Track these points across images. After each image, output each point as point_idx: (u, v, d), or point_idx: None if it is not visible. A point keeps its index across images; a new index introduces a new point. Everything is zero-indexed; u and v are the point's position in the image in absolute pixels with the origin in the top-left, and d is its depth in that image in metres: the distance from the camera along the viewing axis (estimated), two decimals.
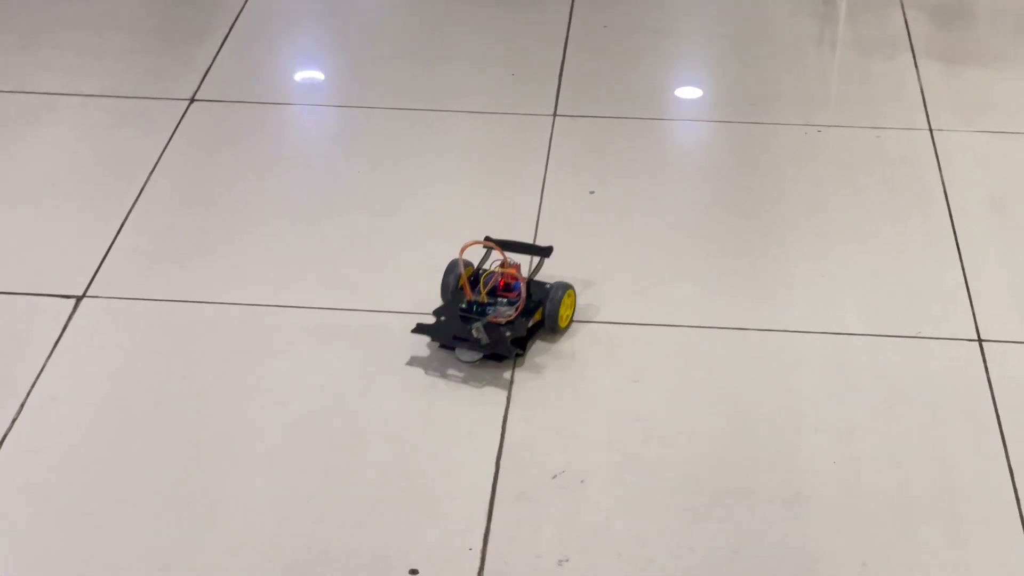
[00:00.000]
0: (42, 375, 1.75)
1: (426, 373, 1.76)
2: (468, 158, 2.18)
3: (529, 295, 1.81)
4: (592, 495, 1.60)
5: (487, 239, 1.85)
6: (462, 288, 1.81)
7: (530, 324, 1.79)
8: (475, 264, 1.85)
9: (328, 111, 2.33)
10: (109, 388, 1.74)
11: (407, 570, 1.51)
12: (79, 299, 1.87)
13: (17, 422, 1.68)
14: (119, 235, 1.99)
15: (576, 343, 1.82)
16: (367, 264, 1.95)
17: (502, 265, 1.82)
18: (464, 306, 1.80)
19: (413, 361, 1.78)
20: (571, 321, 1.83)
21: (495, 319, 1.78)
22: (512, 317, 1.77)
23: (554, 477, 1.62)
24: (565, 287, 1.81)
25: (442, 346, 1.79)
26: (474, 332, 1.75)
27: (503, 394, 1.73)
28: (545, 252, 1.86)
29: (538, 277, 1.85)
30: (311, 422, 1.69)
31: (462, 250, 1.81)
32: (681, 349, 1.81)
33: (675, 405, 1.72)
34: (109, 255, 1.95)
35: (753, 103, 2.32)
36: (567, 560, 1.52)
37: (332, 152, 2.22)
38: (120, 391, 1.74)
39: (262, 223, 2.03)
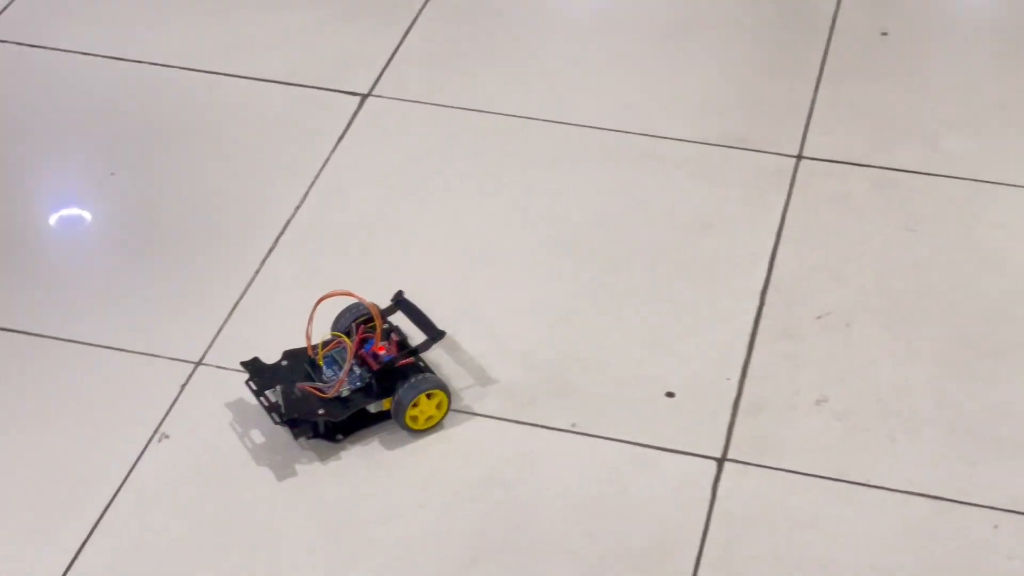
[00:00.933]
0: (326, 167, 1.81)
1: (697, 205, 1.75)
2: None
3: (398, 375, 1.46)
4: (857, 339, 1.58)
5: (396, 296, 1.54)
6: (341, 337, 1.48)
7: (375, 410, 1.46)
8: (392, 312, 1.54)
9: None
10: (386, 185, 1.79)
11: (663, 392, 1.53)
12: (364, 97, 1.92)
13: (302, 207, 1.75)
14: (406, 37, 2.02)
15: (852, 185, 1.78)
16: (646, 86, 1.94)
17: (367, 325, 1.49)
18: (307, 361, 1.49)
19: (683, 191, 1.77)
20: (436, 424, 1.48)
21: (311, 387, 1.44)
22: (330, 392, 1.44)
23: (819, 317, 1.61)
24: (431, 385, 1.46)
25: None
26: (271, 394, 1.45)
27: (774, 229, 1.71)
28: (434, 335, 1.50)
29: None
30: (573, 238, 1.70)
31: (318, 302, 1.49)
32: (961, 202, 1.76)
33: (951, 258, 1.68)
34: (395, 56, 1.98)
35: None
36: (825, 400, 1.52)
37: None
38: (395, 189, 1.78)
39: (547, 37, 2.03)
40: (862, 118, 1.88)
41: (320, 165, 1.81)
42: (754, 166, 1.80)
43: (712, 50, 2.00)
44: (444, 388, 1.48)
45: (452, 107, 1.90)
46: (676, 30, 2.04)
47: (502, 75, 1.96)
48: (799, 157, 1.82)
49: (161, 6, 2.09)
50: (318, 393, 1.44)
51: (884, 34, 2.02)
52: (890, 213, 1.74)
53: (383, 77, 1.95)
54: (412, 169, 1.81)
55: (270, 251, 1.69)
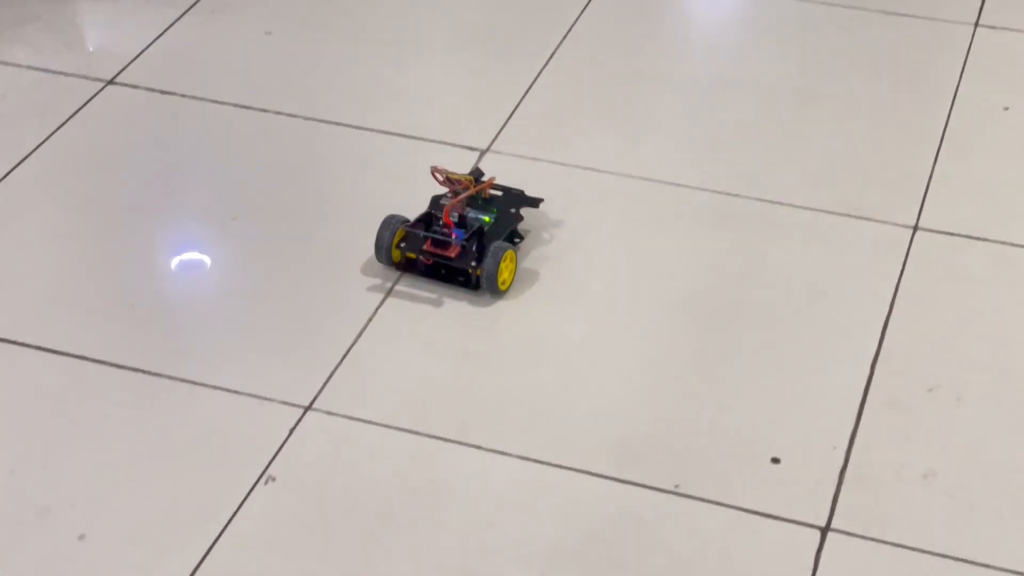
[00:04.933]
0: None
1: (810, 272, 1.75)
2: (881, 61, 2.12)
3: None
4: (967, 414, 1.56)
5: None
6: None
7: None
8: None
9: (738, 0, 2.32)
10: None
11: (769, 457, 1.52)
12: (483, 152, 1.94)
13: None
14: (526, 96, 2.04)
15: (969, 260, 1.76)
16: (763, 151, 1.94)
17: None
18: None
19: (796, 258, 1.77)
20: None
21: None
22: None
23: (930, 390, 1.59)
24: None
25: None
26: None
27: (887, 299, 1.70)
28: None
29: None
30: (684, 298, 1.70)
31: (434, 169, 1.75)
32: None
33: None
34: (514, 115, 2.01)
35: None
36: (933, 475, 1.50)
37: (740, 38, 2.21)
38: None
39: (664, 100, 2.05)
40: (981, 192, 1.86)
41: None
42: (869, 235, 1.79)
43: (830, 118, 2.00)
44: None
45: (568, 164, 1.92)
46: (795, 98, 2.04)
47: (617, 136, 1.97)
48: (916, 228, 1.81)
49: (290, 59, 2.14)
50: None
51: (1006, 109, 2.00)
52: (1006, 288, 1.72)
53: (501, 135, 1.97)
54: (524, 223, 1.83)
55: (384, 300, 1.71)
